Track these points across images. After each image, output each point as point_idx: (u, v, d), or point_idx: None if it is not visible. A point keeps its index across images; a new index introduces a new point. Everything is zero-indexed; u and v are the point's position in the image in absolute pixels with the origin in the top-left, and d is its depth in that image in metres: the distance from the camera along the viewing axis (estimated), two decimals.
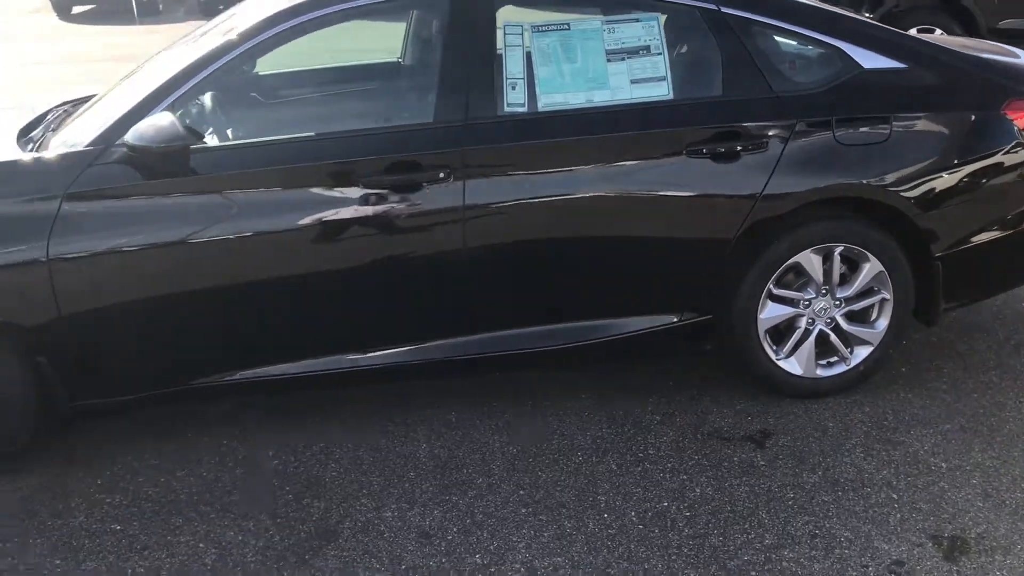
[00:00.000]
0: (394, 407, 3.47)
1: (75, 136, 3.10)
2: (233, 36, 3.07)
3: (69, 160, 2.97)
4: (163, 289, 3.01)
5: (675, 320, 3.35)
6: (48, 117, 3.60)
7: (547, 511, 2.91)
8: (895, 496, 2.92)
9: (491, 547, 2.75)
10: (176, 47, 3.51)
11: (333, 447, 3.27)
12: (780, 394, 3.46)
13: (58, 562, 2.74)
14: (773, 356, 3.40)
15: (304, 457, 3.22)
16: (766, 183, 3.19)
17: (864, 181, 3.25)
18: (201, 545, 2.80)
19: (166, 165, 2.90)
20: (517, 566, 2.67)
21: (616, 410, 3.45)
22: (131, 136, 2.87)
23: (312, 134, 3.32)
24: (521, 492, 3.00)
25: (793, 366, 3.43)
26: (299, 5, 3.07)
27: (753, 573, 2.62)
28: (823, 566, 2.63)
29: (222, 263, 3.00)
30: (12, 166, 3.04)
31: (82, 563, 2.74)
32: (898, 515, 2.83)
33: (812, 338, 3.41)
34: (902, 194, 3.27)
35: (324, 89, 3.89)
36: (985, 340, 3.86)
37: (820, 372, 3.45)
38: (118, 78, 3.57)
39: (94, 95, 3.61)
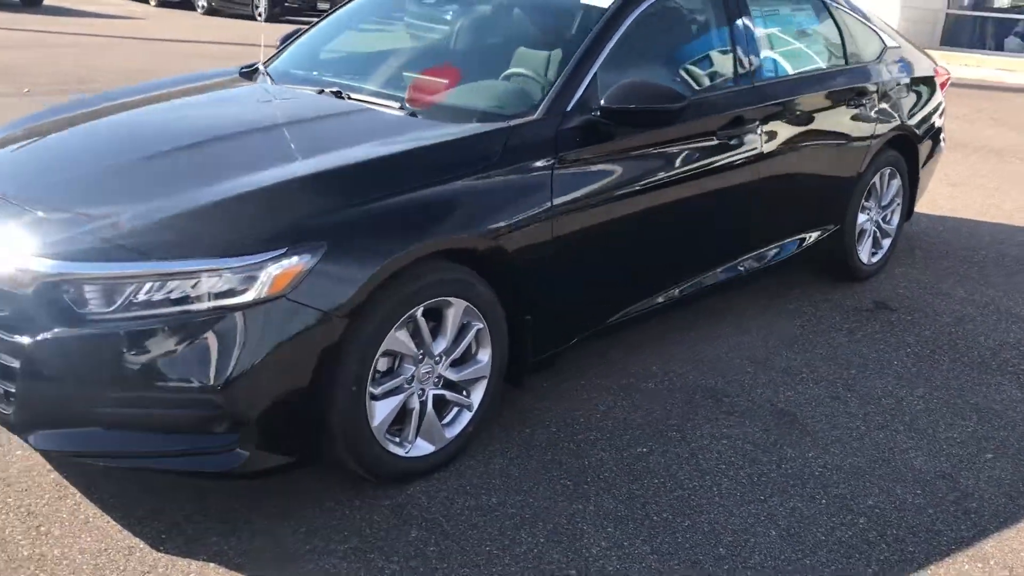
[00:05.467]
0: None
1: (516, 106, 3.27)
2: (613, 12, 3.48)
3: (538, 128, 3.14)
4: (630, 231, 3.37)
5: (820, 233, 4.56)
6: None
7: (857, 356, 3.97)
8: (1003, 318, 4.57)
9: (855, 372, 3.76)
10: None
11: (699, 359, 3.86)
12: (858, 277, 4.88)
13: (654, 445, 3.06)
14: (859, 249, 4.82)
15: (702, 369, 3.78)
16: (875, 127, 4.59)
17: (907, 121, 4.83)
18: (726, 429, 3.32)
19: (644, 121, 3.26)
20: (889, 377, 3.73)
21: (779, 311, 4.54)
22: (607, 101, 3.19)
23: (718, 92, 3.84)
24: (823, 350, 4.01)
25: (863, 256, 4.89)
26: None
27: (980, 367, 4.02)
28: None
29: (673, 204, 3.48)
30: (479, 139, 3.06)
31: (666, 447, 3.09)
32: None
33: (870, 237, 4.90)
34: (913, 129, 4.92)
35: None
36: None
37: (873, 259, 4.97)
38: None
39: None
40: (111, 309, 2.44)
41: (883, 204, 4.91)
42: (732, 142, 3.73)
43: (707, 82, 3.82)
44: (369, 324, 2.62)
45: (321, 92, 3.49)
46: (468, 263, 2.88)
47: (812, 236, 4.46)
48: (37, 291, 2.46)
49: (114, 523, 2.68)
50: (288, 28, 4.75)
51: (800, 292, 4.71)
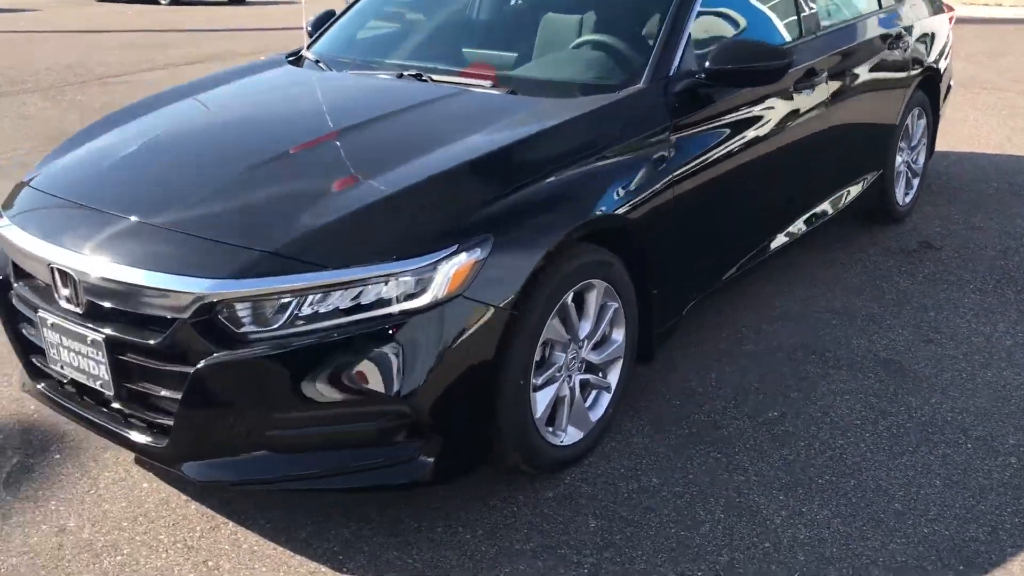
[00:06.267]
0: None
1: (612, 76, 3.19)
2: None
3: (649, 97, 3.06)
4: (735, 190, 3.34)
5: (870, 177, 4.59)
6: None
7: (927, 298, 4.02)
8: None
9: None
10: None
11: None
12: (895, 219, 4.94)
13: (782, 408, 3.05)
14: (896, 191, 4.88)
15: (788, 326, 3.77)
16: (911, 69, 4.63)
17: (931, 61, 4.88)
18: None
19: (752, 80, 3.19)
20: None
21: (833, 261, 4.57)
22: (713, 62, 3.11)
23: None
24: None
25: (900, 197, 4.95)
26: None
27: None
28: None
29: (766, 157, 3.46)
30: (602, 114, 2.94)
31: (797, 409, 3.09)
32: None
33: (903, 178, 4.97)
34: (937, 68, 4.97)
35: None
36: None
37: (906, 199, 5.04)
38: None
39: None
40: (277, 326, 2.29)
41: (912, 144, 4.96)
42: (808, 93, 3.71)
43: (782, 36, 3.75)
44: (533, 314, 2.53)
45: (400, 76, 3.34)
46: (604, 242, 2.80)
47: (865, 181, 4.49)
48: (195, 314, 2.29)
49: (282, 549, 2.55)
50: (197, 11, 4.52)
51: (844, 241, 4.73)
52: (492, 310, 2.41)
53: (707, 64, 3.10)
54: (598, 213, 2.71)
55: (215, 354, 2.29)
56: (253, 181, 2.62)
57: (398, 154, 2.67)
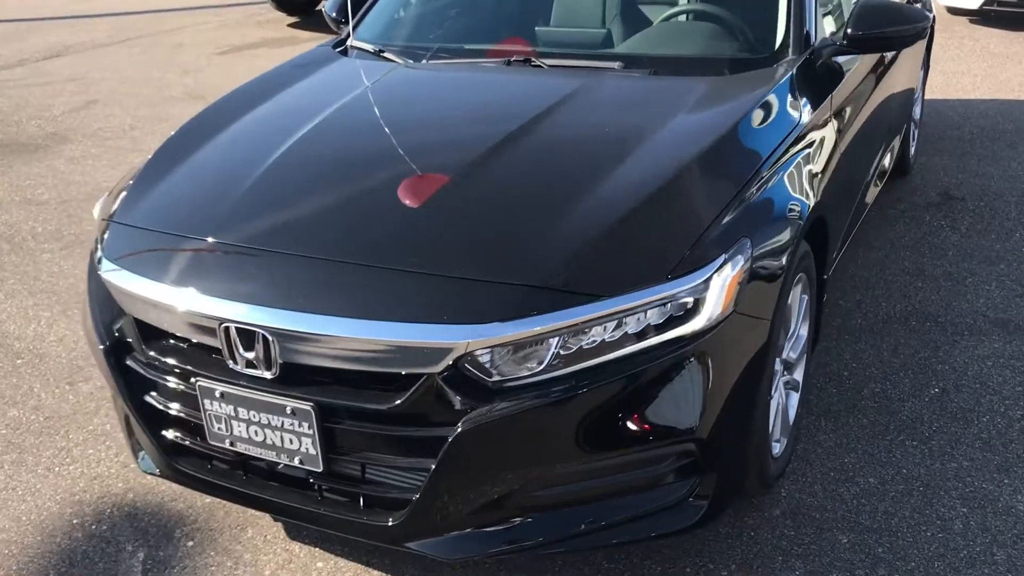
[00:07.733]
0: None
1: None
2: None
3: (807, 70, 2.84)
4: (863, 151, 3.26)
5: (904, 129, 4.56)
6: None
7: (984, 249, 4.04)
8: None
9: None
10: None
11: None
12: (906, 171, 4.95)
13: (938, 382, 2.95)
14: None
15: (881, 293, 3.66)
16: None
17: (933, 13, 4.88)
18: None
19: (895, 44, 3.03)
20: None
21: (871, 221, 4.50)
22: (854, 28, 2.92)
23: None
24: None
25: (911, 149, 4.97)
26: None
27: None
28: None
29: (875, 116, 3.38)
30: (784, 92, 2.70)
31: (955, 383, 3.00)
32: None
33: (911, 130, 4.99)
34: (934, 20, 4.99)
35: None
36: None
37: (912, 151, 5.06)
38: None
39: None
40: (538, 369, 1.95)
41: (915, 97, 4.97)
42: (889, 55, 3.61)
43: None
44: (779, 322, 2.29)
45: (509, 63, 2.98)
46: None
47: (903, 132, 4.47)
48: (446, 368, 1.92)
49: None
50: None
51: (888, 198, 4.68)
52: (759, 322, 2.15)
53: (848, 30, 2.90)
54: (815, 201, 2.48)
55: (477, 410, 1.92)
56: (448, 204, 2.23)
57: (598, 158, 2.34)
